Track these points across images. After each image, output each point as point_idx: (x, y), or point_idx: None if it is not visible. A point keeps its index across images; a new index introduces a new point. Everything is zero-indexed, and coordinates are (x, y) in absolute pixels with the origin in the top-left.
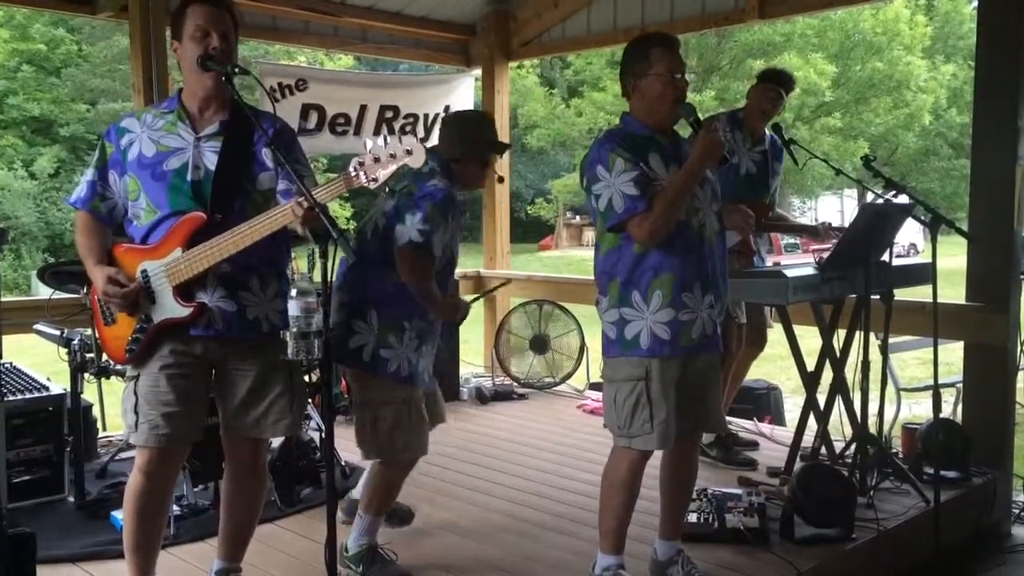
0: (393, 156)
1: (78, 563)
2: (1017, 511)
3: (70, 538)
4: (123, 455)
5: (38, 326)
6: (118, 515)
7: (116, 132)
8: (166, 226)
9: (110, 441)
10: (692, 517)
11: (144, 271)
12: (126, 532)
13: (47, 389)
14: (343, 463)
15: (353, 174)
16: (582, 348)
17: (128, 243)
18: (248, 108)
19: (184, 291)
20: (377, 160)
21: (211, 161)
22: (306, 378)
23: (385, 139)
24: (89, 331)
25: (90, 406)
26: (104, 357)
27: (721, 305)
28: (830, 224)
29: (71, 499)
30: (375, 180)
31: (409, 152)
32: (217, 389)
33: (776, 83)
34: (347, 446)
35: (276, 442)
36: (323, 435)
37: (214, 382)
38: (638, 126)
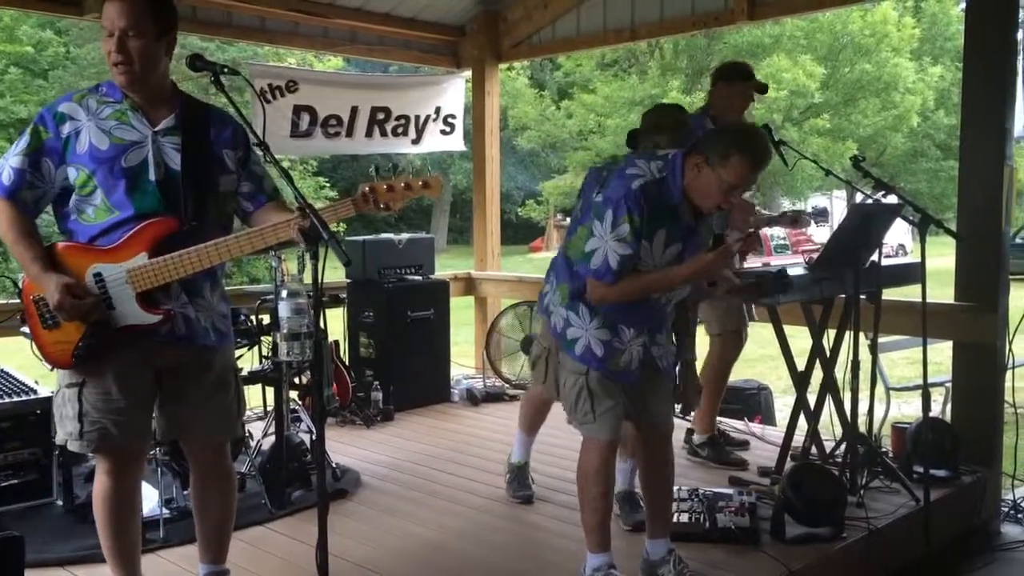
0: (408, 188)
1: (67, 567)
2: (1006, 509)
3: (59, 541)
4: None
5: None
6: None
7: (53, 117)
8: (128, 229)
9: None
10: (683, 517)
11: (98, 274)
12: (103, 539)
13: (35, 392)
14: (334, 465)
15: (362, 199)
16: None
17: (69, 240)
18: (201, 105)
19: (148, 297)
20: (391, 189)
21: (172, 160)
22: (297, 380)
23: (397, 166)
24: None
25: None
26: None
27: (660, 346)
28: (801, 211)
29: (59, 502)
30: (386, 208)
31: (426, 185)
32: (164, 396)
33: (751, 80)
34: (338, 448)
35: (266, 444)
36: (314, 437)
37: (160, 388)
38: (676, 192)
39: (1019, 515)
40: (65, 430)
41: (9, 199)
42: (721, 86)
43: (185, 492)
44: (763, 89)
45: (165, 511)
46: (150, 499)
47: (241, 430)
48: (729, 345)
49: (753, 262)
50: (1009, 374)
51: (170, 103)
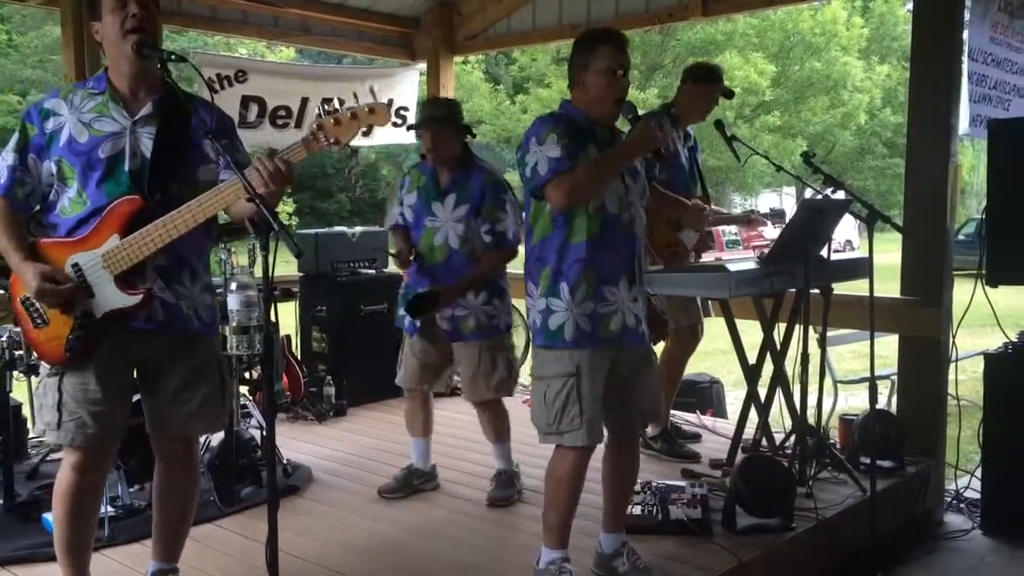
0: (355, 117)
1: (7, 566)
2: (949, 499)
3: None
4: (54, 456)
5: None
6: (50, 517)
7: (39, 113)
8: (99, 216)
9: (41, 441)
10: (636, 510)
11: (76, 264)
12: (58, 534)
13: None
14: (284, 461)
15: (312, 138)
16: (527, 344)
17: (49, 236)
18: (183, 94)
19: (125, 280)
20: (338, 123)
21: (148, 148)
22: (247, 375)
23: (341, 100)
24: (19, 328)
25: (19, 405)
26: (34, 355)
27: (638, 301)
28: (756, 212)
29: (0, 501)
30: (336, 143)
31: (371, 111)
32: (144, 387)
33: (720, 83)
34: (289, 443)
35: (215, 440)
36: (264, 433)
37: (140, 380)
38: (579, 115)
39: (961, 505)
40: (43, 420)
41: (3, 196)
42: (690, 86)
43: (131, 490)
44: (729, 95)
45: (110, 509)
46: None
47: (221, 427)
48: (685, 340)
49: (706, 257)
50: (952, 367)
51: (155, 90)
